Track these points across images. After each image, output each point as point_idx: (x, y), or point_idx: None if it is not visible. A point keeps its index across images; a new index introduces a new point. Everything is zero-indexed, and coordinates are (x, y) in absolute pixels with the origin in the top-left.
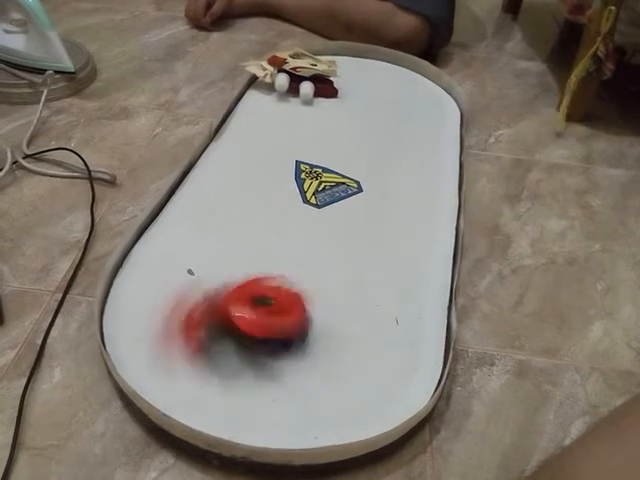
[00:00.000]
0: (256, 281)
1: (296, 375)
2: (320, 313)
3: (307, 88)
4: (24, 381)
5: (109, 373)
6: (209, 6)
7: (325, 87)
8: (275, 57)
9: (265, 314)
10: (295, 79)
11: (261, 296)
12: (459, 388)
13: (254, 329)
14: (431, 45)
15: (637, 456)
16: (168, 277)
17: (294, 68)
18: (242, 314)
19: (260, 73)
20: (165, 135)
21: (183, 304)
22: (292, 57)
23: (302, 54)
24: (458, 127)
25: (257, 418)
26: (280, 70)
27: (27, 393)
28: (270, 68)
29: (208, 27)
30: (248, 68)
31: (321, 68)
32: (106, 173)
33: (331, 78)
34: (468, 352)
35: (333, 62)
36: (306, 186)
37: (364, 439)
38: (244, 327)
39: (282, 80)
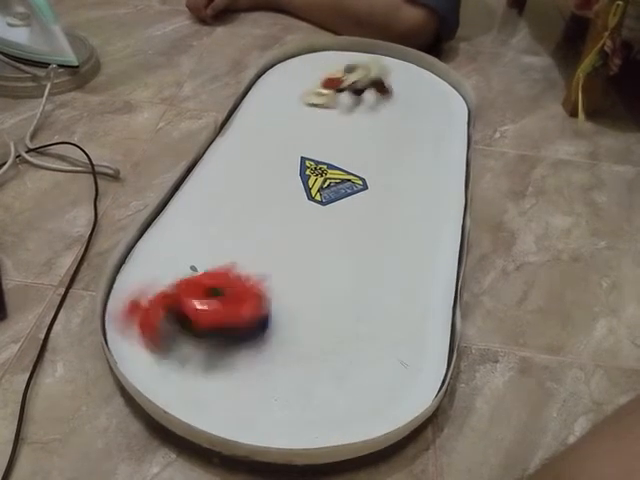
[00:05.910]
0: (212, 274)
1: (298, 374)
2: (325, 312)
3: (371, 100)
4: (27, 375)
5: (111, 368)
6: None
7: (382, 91)
8: (331, 80)
9: (215, 304)
10: (356, 92)
11: (214, 287)
12: (462, 385)
13: (200, 318)
14: (438, 38)
15: None
16: (171, 273)
17: (351, 84)
18: (191, 304)
19: (322, 101)
20: (168, 129)
21: (145, 293)
22: (346, 72)
23: (354, 66)
24: (465, 124)
25: (258, 417)
26: (339, 89)
27: (30, 387)
28: (328, 92)
29: (209, 20)
30: (309, 102)
31: (374, 73)
32: (109, 167)
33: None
34: (471, 349)
35: (379, 60)
36: (311, 183)
37: (366, 439)
38: (192, 316)
39: (346, 100)
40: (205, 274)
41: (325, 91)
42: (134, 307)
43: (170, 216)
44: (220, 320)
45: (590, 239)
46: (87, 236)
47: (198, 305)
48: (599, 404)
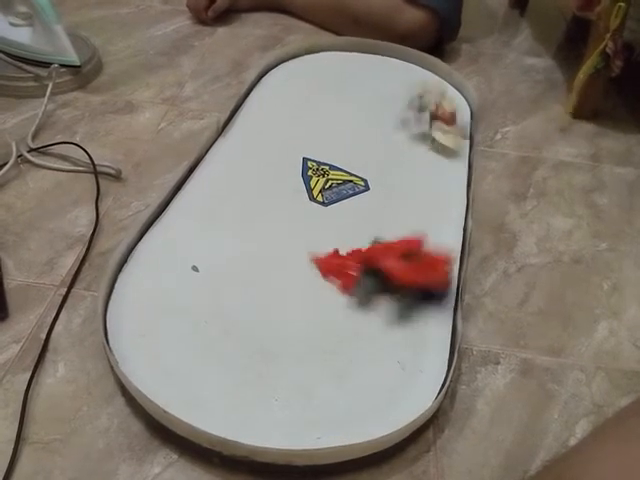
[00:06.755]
0: (404, 242)
1: (298, 374)
2: (325, 312)
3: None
4: (28, 375)
5: (112, 368)
6: (213, 0)
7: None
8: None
9: (413, 267)
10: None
11: (409, 253)
12: (463, 387)
13: (398, 275)
14: (439, 39)
15: None
16: (172, 273)
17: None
18: (394, 265)
19: (451, 143)
20: (170, 130)
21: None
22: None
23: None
24: (468, 126)
25: (258, 417)
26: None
27: (31, 387)
28: (450, 128)
29: (209, 22)
30: (441, 141)
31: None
32: (111, 167)
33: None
34: (473, 350)
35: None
36: (313, 183)
37: (367, 440)
38: (396, 274)
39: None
40: (399, 241)
41: (447, 127)
42: (334, 256)
43: (171, 216)
44: (415, 279)
45: (591, 241)
46: (89, 236)
47: (396, 264)
48: (600, 406)
